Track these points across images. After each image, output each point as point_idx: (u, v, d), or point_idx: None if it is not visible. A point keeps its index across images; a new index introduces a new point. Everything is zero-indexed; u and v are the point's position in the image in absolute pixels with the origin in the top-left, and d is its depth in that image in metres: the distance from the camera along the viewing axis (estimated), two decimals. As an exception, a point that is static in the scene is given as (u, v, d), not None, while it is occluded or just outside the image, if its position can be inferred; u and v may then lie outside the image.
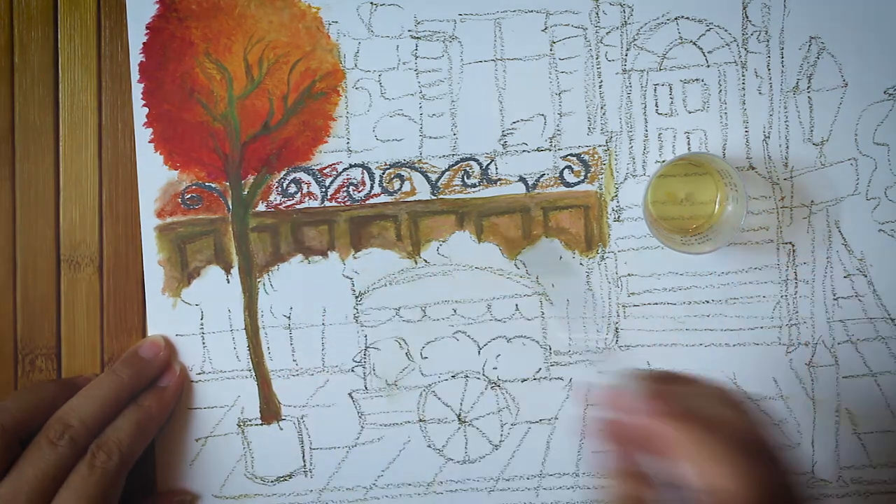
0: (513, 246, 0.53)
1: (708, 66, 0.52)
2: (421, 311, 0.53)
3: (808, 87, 0.52)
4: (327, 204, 0.53)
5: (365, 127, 0.53)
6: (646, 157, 0.52)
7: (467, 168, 0.53)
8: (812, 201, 0.52)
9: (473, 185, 0.53)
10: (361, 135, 0.53)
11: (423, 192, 0.53)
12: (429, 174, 0.53)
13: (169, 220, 0.53)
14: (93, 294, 0.53)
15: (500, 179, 0.53)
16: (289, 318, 0.53)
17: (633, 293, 0.52)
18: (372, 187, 0.53)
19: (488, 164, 0.53)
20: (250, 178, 0.53)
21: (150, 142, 0.53)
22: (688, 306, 0.52)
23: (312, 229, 0.53)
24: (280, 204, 0.53)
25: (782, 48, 0.52)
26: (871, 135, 0.52)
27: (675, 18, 0.52)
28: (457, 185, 0.53)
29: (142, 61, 0.53)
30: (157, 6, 0.52)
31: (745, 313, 0.52)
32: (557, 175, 0.52)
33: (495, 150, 0.53)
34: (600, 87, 0.52)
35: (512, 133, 0.52)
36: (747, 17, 0.52)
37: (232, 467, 0.53)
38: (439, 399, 0.53)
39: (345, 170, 0.53)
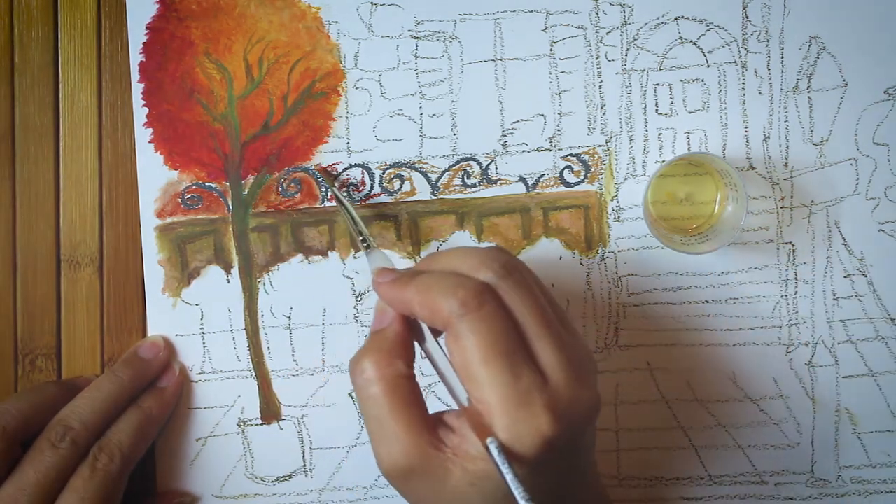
0: (513, 246, 0.53)
1: (708, 66, 0.52)
2: (421, 311, 0.53)
3: (808, 87, 0.52)
4: (327, 204, 0.53)
5: (365, 127, 0.53)
6: (646, 157, 0.52)
7: (467, 168, 0.53)
8: (812, 201, 0.52)
9: (473, 185, 0.53)
10: (361, 135, 0.53)
11: (423, 192, 0.53)
12: (429, 174, 0.53)
13: (169, 220, 0.53)
14: (93, 294, 0.53)
15: (500, 179, 0.53)
16: (289, 318, 0.53)
17: (633, 293, 0.52)
18: (372, 187, 0.53)
19: (488, 164, 0.53)
20: (250, 178, 0.53)
21: (150, 142, 0.53)
22: (688, 306, 0.52)
23: (312, 229, 0.53)
24: (280, 204, 0.53)
25: (782, 48, 0.52)
26: (871, 135, 0.52)
27: (675, 18, 0.52)
28: (457, 185, 0.53)
29: (142, 61, 0.53)
30: (157, 6, 0.52)
31: (745, 313, 0.52)
32: (557, 175, 0.52)
33: (495, 150, 0.53)
34: (600, 87, 0.52)
35: (512, 133, 0.52)
36: (747, 17, 0.52)
37: (232, 467, 0.53)
38: (439, 399, 0.52)
39: (345, 170, 0.53)
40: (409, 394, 0.38)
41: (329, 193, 0.52)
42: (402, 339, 0.40)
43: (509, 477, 0.34)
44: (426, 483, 0.38)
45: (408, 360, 0.39)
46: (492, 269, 0.39)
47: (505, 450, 0.35)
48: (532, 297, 0.39)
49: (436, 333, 0.41)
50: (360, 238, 0.47)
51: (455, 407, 0.39)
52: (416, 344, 0.41)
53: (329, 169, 0.52)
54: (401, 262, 0.52)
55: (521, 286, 0.39)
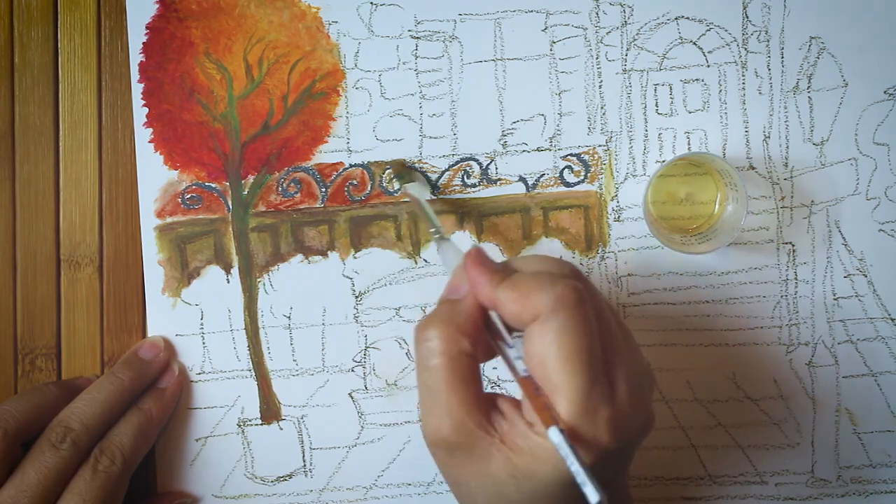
0: (513, 246, 0.53)
1: (708, 66, 0.52)
2: (421, 311, 0.53)
3: (808, 87, 0.52)
4: (327, 204, 0.53)
5: (365, 127, 0.53)
6: (646, 157, 0.52)
7: (467, 168, 0.53)
8: (812, 201, 0.52)
9: (473, 185, 0.53)
10: (361, 135, 0.53)
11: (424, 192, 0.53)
12: (429, 174, 0.53)
13: (169, 220, 0.53)
14: (93, 294, 0.53)
15: (500, 179, 0.53)
16: (289, 318, 0.53)
17: (633, 293, 0.52)
18: (372, 187, 0.53)
19: (488, 164, 0.53)
20: (250, 178, 0.53)
21: (150, 142, 0.53)
22: (688, 306, 0.52)
23: (312, 229, 0.53)
24: (280, 204, 0.53)
25: (782, 48, 0.52)
26: (871, 135, 0.52)
27: (675, 18, 0.52)
28: (457, 185, 0.53)
29: (142, 61, 0.53)
30: (157, 6, 0.52)
31: (745, 313, 0.52)
32: (557, 175, 0.52)
33: (495, 150, 0.53)
34: (600, 87, 0.52)
35: (512, 133, 0.52)
36: (747, 17, 0.52)
37: (232, 467, 0.53)
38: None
39: (345, 170, 0.53)
40: (468, 371, 0.38)
41: (394, 185, 0.52)
42: (474, 317, 0.39)
43: (574, 468, 0.34)
44: (468, 462, 0.38)
45: (474, 339, 0.39)
46: (573, 275, 0.39)
47: (568, 443, 0.35)
48: (609, 308, 0.39)
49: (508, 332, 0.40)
50: (432, 229, 0.47)
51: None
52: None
53: (402, 162, 0.52)
54: (401, 261, 0.52)
55: (598, 295, 0.39)
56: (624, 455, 0.38)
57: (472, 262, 0.40)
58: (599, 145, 0.52)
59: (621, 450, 0.37)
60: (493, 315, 0.40)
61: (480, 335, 0.39)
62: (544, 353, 0.36)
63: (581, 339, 0.36)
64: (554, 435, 0.35)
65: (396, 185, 0.52)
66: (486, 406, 0.38)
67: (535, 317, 0.37)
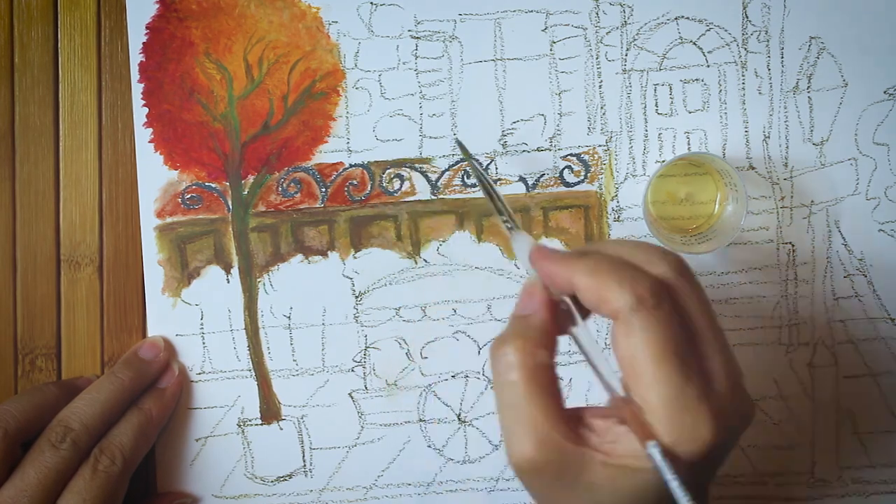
0: (513, 246, 0.53)
1: (708, 66, 0.52)
2: (421, 311, 0.53)
3: (808, 87, 0.52)
4: (327, 204, 0.53)
5: (365, 127, 0.53)
6: (646, 157, 0.52)
7: (467, 168, 0.53)
8: (812, 201, 0.52)
9: (473, 185, 0.53)
10: (361, 135, 0.53)
11: (423, 192, 0.53)
12: (429, 174, 0.53)
13: (169, 220, 0.53)
14: (93, 294, 0.53)
15: (500, 179, 0.53)
16: (289, 318, 0.53)
17: (633, 293, 0.52)
18: (372, 187, 0.53)
19: (488, 164, 0.53)
20: (250, 178, 0.53)
21: (150, 142, 0.53)
22: (688, 306, 0.52)
23: (312, 229, 0.53)
24: (280, 204, 0.53)
25: (782, 48, 0.52)
26: (871, 135, 0.52)
27: (675, 18, 0.52)
28: (457, 185, 0.53)
29: (142, 61, 0.53)
30: (157, 6, 0.52)
31: (745, 313, 0.52)
32: (557, 175, 0.52)
33: (495, 150, 0.53)
34: (600, 87, 0.52)
35: (512, 133, 0.52)
36: (747, 17, 0.52)
37: (232, 467, 0.53)
38: (439, 399, 0.53)
39: (345, 170, 0.53)
40: (548, 383, 0.37)
41: (469, 170, 0.51)
42: (548, 327, 0.38)
43: (674, 485, 0.33)
44: (558, 478, 0.36)
45: (551, 350, 0.37)
46: (668, 265, 0.37)
47: (665, 453, 0.34)
48: (706, 300, 0.38)
49: (582, 313, 0.39)
50: (503, 218, 0.45)
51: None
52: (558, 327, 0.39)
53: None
54: (400, 261, 0.52)
55: (697, 287, 0.38)
56: (729, 443, 0.37)
57: (538, 249, 0.39)
58: (599, 145, 0.52)
59: (727, 442, 0.36)
60: (567, 300, 0.39)
61: (556, 345, 0.38)
62: (632, 355, 0.35)
63: (667, 336, 0.35)
64: (651, 450, 0.34)
65: (397, 185, 0.52)
66: (572, 418, 0.37)
67: (615, 315, 0.36)
